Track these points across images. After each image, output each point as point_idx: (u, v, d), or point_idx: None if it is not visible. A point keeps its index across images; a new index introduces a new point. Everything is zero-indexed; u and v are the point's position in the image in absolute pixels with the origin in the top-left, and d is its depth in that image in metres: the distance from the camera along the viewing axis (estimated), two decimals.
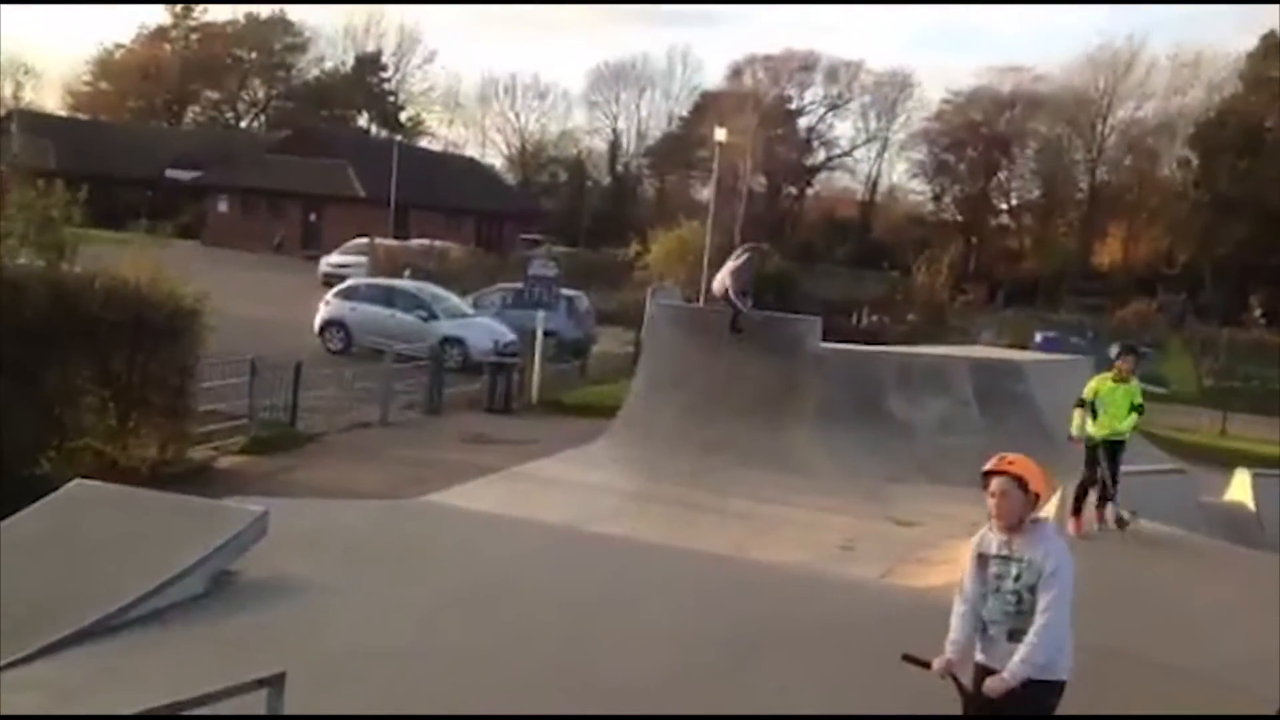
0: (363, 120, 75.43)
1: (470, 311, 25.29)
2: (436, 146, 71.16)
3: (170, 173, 55.02)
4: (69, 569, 7.69)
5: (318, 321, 23.99)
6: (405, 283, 26.62)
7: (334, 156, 50.61)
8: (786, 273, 39.04)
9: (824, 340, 16.90)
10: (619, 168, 72.92)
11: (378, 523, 10.60)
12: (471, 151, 72.09)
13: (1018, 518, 4.61)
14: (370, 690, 6.58)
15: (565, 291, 23.98)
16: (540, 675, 7.15)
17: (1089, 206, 63.07)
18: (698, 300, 27.82)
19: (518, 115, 73.08)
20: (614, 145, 72.84)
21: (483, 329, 23.53)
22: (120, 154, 52.95)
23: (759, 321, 16.72)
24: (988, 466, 4.66)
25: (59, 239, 12.16)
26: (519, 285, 24.02)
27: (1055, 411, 15.25)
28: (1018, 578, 4.58)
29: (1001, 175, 66.24)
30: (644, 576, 9.51)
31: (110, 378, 12.31)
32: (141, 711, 4.80)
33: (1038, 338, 31.66)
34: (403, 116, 74.52)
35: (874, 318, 37.22)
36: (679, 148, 67.70)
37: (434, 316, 23.71)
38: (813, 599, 9.12)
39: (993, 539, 4.70)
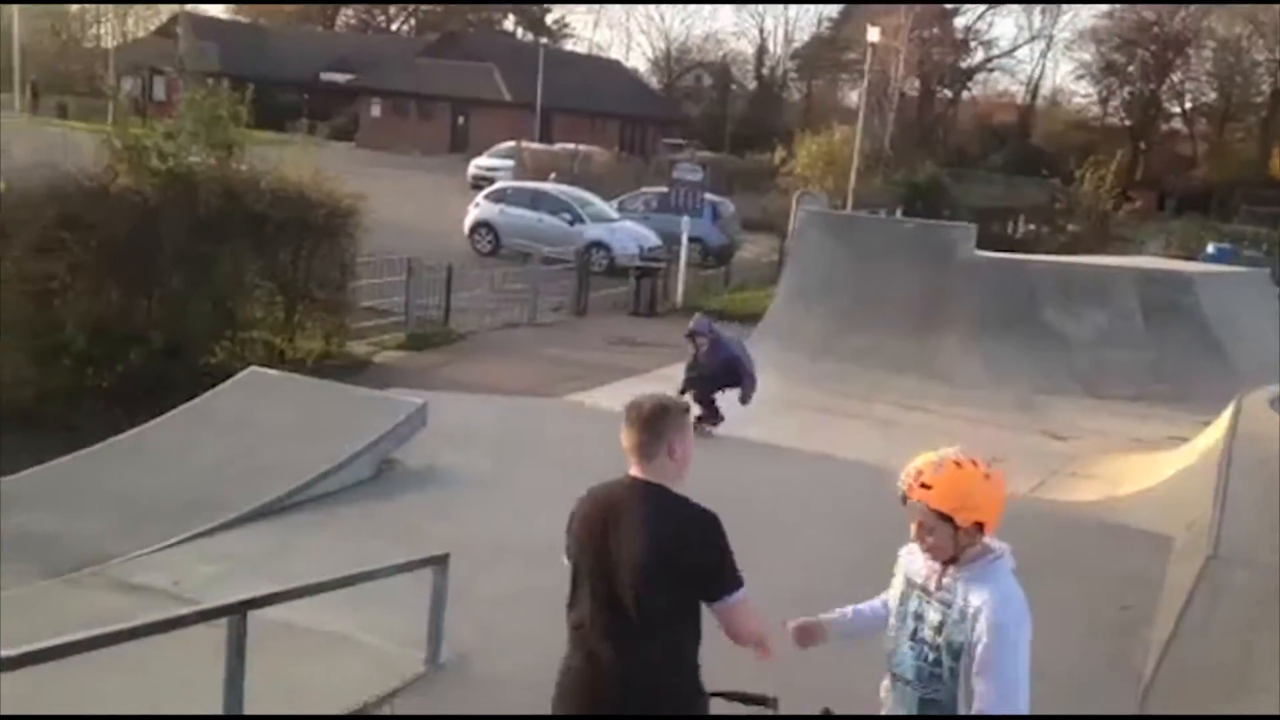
0: (509, 23, 75.54)
1: (615, 216, 25.37)
2: (581, 49, 70.88)
3: (325, 76, 56.35)
4: (247, 451, 8.17)
5: (467, 224, 24.45)
6: (551, 186, 26.82)
7: (481, 60, 50.94)
8: (937, 180, 37.87)
9: (978, 249, 16.38)
10: (765, 71, 71.35)
11: (526, 419, 10.91)
12: (616, 54, 71.62)
13: (947, 554, 3.06)
14: (519, 573, 6.84)
15: (709, 197, 23.81)
16: None
17: (1269, 111, 58.89)
18: (845, 207, 27.30)
19: (662, 16, 72.07)
20: (760, 48, 71.25)
21: (627, 233, 23.61)
22: (279, 57, 54.36)
23: (910, 230, 16.31)
24: (901, 480, 3.08)
25: (227, 138, 12.61)
26: (663, 190, 23.96)
27: (1226, 325, 14.55)
28: (939, 627, 3.04)
29: (1175, 77, 62.28)
30: (786, 481, 9.56)
31: (276, 273, 12.85)
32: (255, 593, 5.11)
33: (1209, 249, 29.96)
34: (548, 19, 74.34)
35: (1031, 227, 35.83)
36: (827, 50, 65.73)
37: (579, 220, 23.89)
38: None
39: (919, 559, 3.17)
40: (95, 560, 6.58)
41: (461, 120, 51.25)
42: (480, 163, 37.35)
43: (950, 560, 3.03)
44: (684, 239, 20.33)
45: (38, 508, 7.28)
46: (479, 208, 24.74)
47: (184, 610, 4.86)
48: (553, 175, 30.95)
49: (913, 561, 3.18)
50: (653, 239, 22.98)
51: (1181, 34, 60.12)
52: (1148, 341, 14.37)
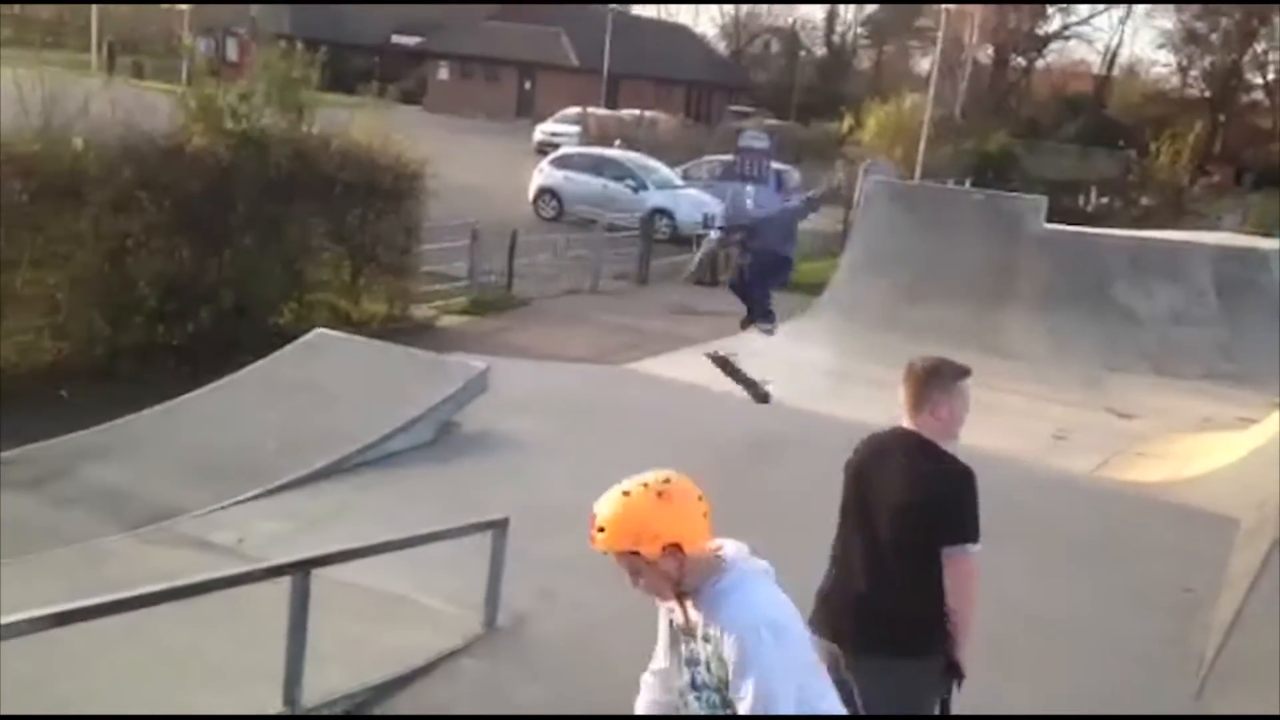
0: None
1: (679, 183, 25.28)
2: (649, 14, 70.38)
3: (395, 38, 56.62)
4: (312, 411, 8.32)
5: (532, 189, 24.51)
6: (616, 153, 26.77)
7: (549, 24, 50.83)
8: (1009, 150, 37.17)
9: (1048, 221, 16.07)
10: (834, 37, 70.34)
11: (586, 385, 10.96)
12: (684, 19, 71.01)
13: (673, 588, 2.77)
14: (577, 538, 6.89)
15: (775, 166, 23.59)
16: (735, 538, 7.32)
17: None
18: (913, 177, 26.91)
19: None
20: (831, 13, 70.21)
21: (691, 201, 23.51)
22: (350, 19, 54.69)
23: (979, 201, 16.05)
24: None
25: (299, 101, 12.74)
26: (728, 157, 23.79)
27: None
28: (709, 666, 2.75)
29: (1258, 47, 60.18)
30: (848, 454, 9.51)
31: (344, 235, 13.01)
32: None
33: None
34: None
35: (1104, 199, 35.04)
36: (899, 16, 64.52)
37: (644, 187, 23.83)
38: (1021, 488, 8.91)
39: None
40: (165, 515, 6.77)
41: (528, 85, 51.27)
42: (545, 128, 37.39)
43: (683, 593, 2.75)
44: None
45: (111, 462, 7.50)
46: (543, 173, 24.78)
47: (249, 567, 5.01)
48: (618, 141, 30.90)
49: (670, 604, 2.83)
50: (717, 207, 22.86)
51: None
52: (1220, 320, 14.03)
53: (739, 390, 11.31)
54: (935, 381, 3.75)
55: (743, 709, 2.61)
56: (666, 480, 2.73)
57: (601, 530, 2.71)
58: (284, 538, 6.41)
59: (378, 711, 4.73)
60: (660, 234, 20.94)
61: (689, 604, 2.73)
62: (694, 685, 2.76)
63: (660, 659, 2.93)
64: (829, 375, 13.06)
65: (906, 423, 3.76)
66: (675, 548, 2.69)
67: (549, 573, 6.23)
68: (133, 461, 7.51)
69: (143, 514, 6.76)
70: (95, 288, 10.11)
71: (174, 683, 4.51)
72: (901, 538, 3.67)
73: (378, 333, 11.80)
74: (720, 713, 2.68)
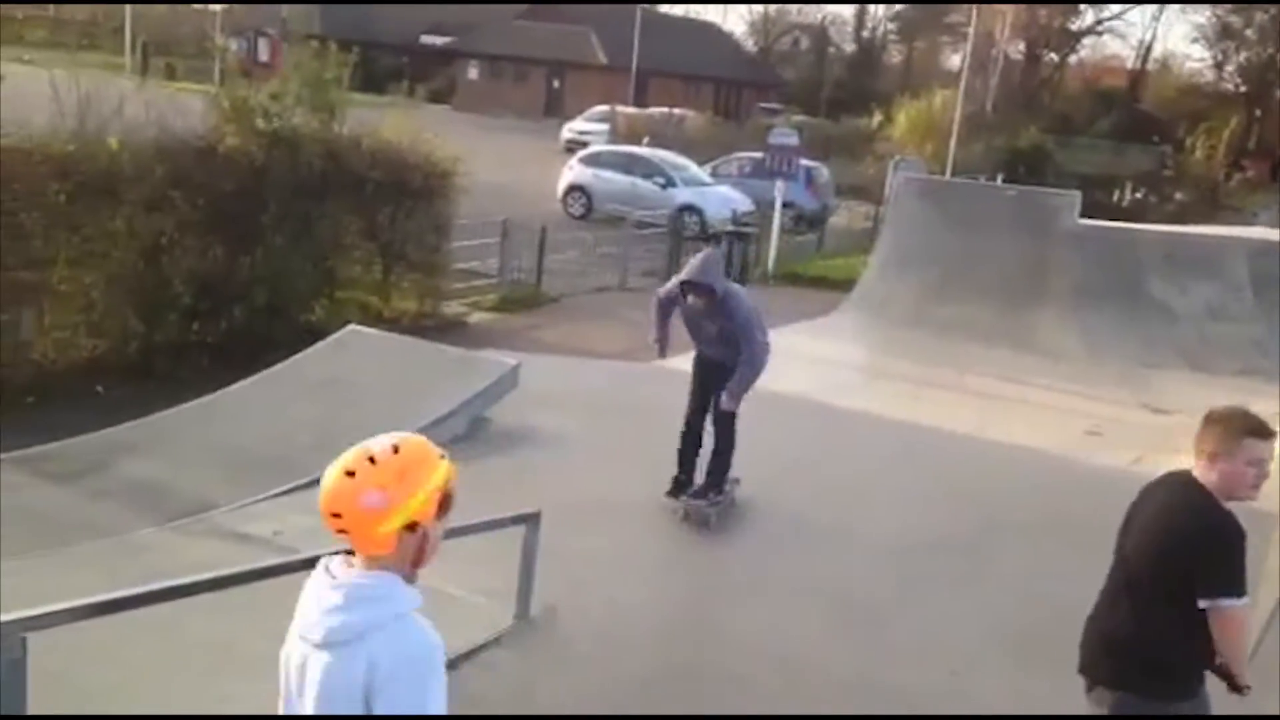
0: None
1: (708, 180, 25.24)
2: (677, 12, 70.35)
3: (424, 39, 56.88)
4: (345, 406, 8.37)
5: (560, 186, 24.56)
6: (645, 150, 26.76)
7: (577, 23, 50.92)
8: (1041, 146, 36.86)
9: (1082, 217, 15.93)
10: (864, 34, 70.09)
11: (615, 382, 10.97)
12: (712, 17, 70.94)
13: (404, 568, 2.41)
14: (608, 532, 6.92)
15: (804, 162, 23.54)
16: (767, 533, 7.32)
17: None
18: (944, 174, 26.76)
19: None
20: (860, 10, 69.96)
21: (720, 198, 23.48)
22: (379, 19, 54.97)
23: (1011, 197, 15.94)
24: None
25: (330, 100, 12.82)
26: (757, 154, 23.75)
27: None
28: None
29: None
30: (879, 451, 9.49)
31: (375, 233, 13.08)
32: None
33: None
34: None
35: (1137, 195, 34.69)
36: (930, 12, 64.20)
37: (672, 184, 23.82)
38: (1055, 482, 8.86)
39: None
40: (200, 509, 6.84)
41: (556, 83, 51.38)
42: (574, 126, 37.43)
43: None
44: (777, 204, 20.15)
45: (146, 457, 7.58)
46: (572, 171, 24.81)
47: (286, 559, 5.04)
48: (646, 139, 30.89)
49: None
50: (745, 203, 22.83)
51: None
52: (1257, 315, 13.84)
53: (768, 388, 11.28)
54: (1221, 432, 3.66)
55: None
56: (400, 445, 2.34)
57: (337, 516, 2.28)
58: (319, 531, 6.42)
59: None
60: (689, 231, 20.93)
61: None
62: None
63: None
64: (858, 371, 13.03)
65: (1195, 468, 3.71)
66: (413, 527, 2.34)
67: (580, 566, 6.25)
68: (168, 456, 7.59)
69: (178, 507, 6.83)
70: (130, 286, 10.21)
71: (209, 674, 4.55)
72: (1157, 580, 3.68)
73: (408, 329, 11.86)
74: None
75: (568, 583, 5.95)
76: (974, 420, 10.71)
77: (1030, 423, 10.85)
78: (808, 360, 13.24)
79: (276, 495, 7.15)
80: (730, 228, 20.28)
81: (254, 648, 4.90)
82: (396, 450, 2.29)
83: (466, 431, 8.50)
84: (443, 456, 2.33)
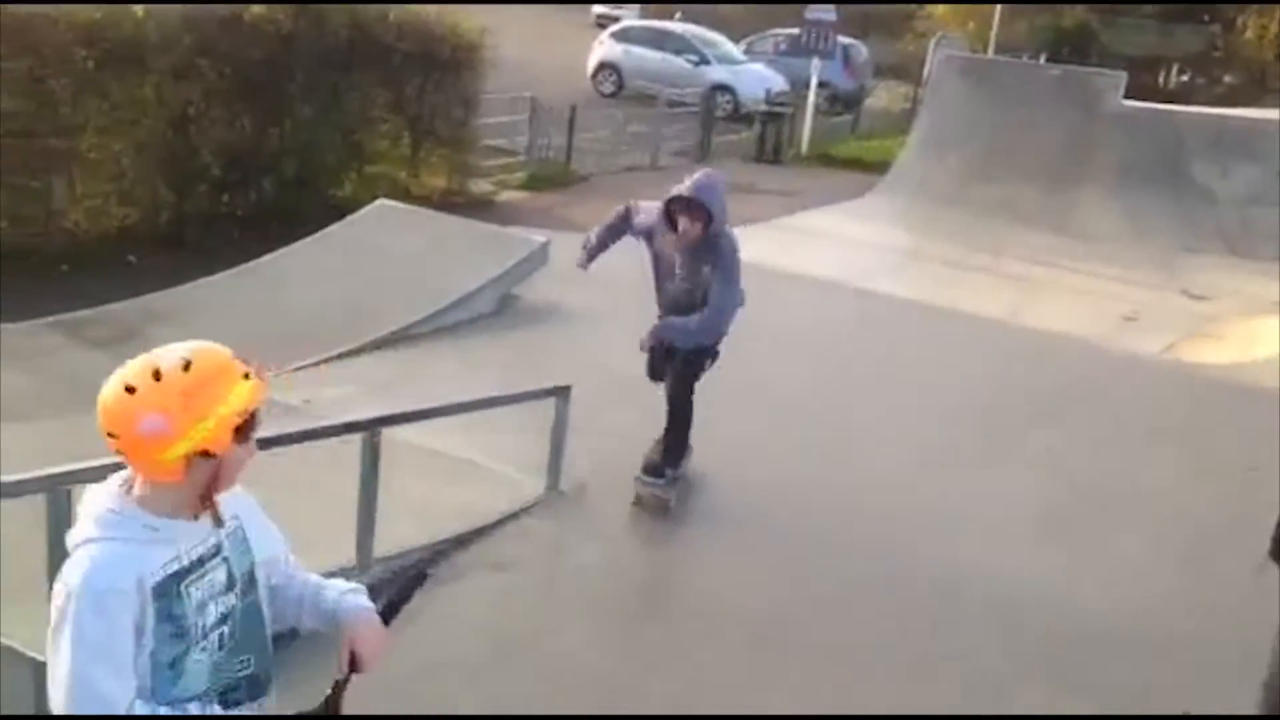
0: None
1: (742, 58, 24.64)
2: None
3: None
4: (375, 280, 8.38)
5: (591, 64, 24.06)
6: (678, 26, 26.11)
7: None
8: (1086, 26, 35.63)
9: (1126, 99, 15.48)
10: None
11: (645, 261, 10.87)
12: None
13: (196, 495, 2.01)
14: (635, 407, 6.94)
15: (842, 40, 22.90)
16: (793, 409, 7.33)
17: None
18: (986, 53, 26.01)
19: None
20: None
21: (754, 76, 22.93)
22: None
23: (1055, 76, 15.49)
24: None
25: None
26: (794, 31, 23.11)
27: None
28: (229, 578, 2.06)
29: None
30: (909, 334, 9.43)
31: (402, 106, 12.90)
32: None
33: None
34: None
35: (1184, 77, 33.62)
36: None
37: (705, 62, 23.28)
38: (1087, 366, 8.80)
39: (159, 539, 2.00)
40: None
41: None
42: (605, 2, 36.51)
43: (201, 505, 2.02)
44: (813, 83, 19.67)
45: (180, 325, 7.62)
46: (603, 47, 24.28)
47: (322, 424, 5.10)
48: (678, 14, 30.10)
49: (148, 560, 1.95)
50: (779, 82, 22.29)
51: None
52: None
53: (802, 269, 11.21)
54: None
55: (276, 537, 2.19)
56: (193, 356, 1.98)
57: (113, 436, 1.92)
58: (348, 401, 6.52)
59: (443, 565, 4.85)
60: (721, 110, 20.53)
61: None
62: (203, 633, 2.00)
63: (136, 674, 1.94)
64: (891, 254, 12.87)
65: None
66: (206, 455, 1.98)
67: (608, 439, 6.29)
68: (200, 324, 7.54)
69: None
70: (159, 155, 10.16)
71: None
72: None
73: (437, 206, 11.76)
74: (222, 650, 2.03)
75: (597, 456, 6.00)
76: (1009, 304, 10.62)
77: (1066, 306, 10.74)
78: (839, 243, 13.12)
79: (307, 366, 7.21)
80: (764, 108, 19.87)
81: (289, 512, 5.00)
82: (188, 367, 1.90)
83: (495, 307, 8.51)
84: (247, 375, 1.94)
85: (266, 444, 4.47)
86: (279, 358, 7.17)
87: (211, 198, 10.72)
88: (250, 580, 2.09)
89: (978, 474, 6.58)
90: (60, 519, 3.40)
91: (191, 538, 2.00)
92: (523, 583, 4.85)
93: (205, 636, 1.99)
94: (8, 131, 8.89)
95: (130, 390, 1.89)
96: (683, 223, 5.32)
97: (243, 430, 1.96)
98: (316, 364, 7.29)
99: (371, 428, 4.58)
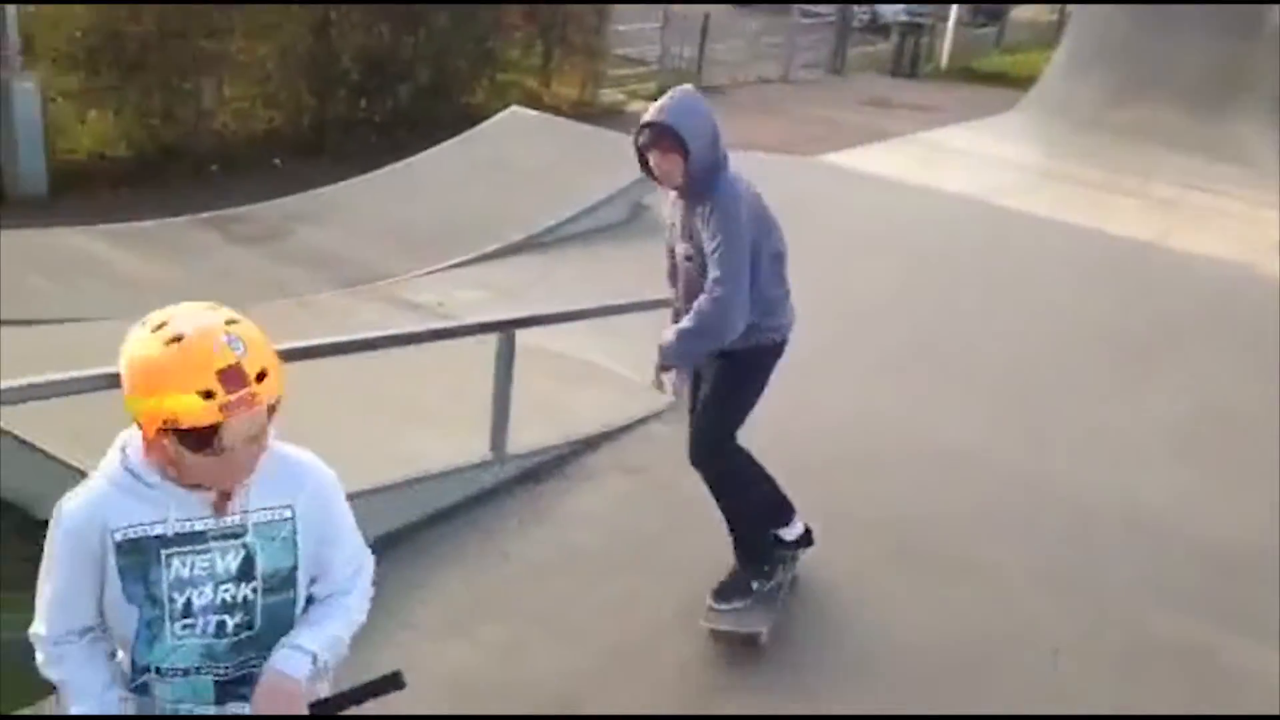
0: None
1: None
2: None
3: None
4: (508, 186, 8.48)
5: None
6: None
7: None
8: None
9: None
10: None
11: (776, 176, 10.65)
12: None
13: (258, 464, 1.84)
14: None
15: None
16: (927, 326, 7.21)
17: None
18: None
19: None
20: None
21: None
22: None
23: None
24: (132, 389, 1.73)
25: None
26: None
27: None
28: (246, 565, 1.87)
29: None
30: (1054, 256, 9.14)
31: (535, 15, 12.88)
32: None
33: None
34: None
35: None
36: None
37: None
38: (1233, 291, 8.43)
39: (152, 498, 1.82)
40: (372, 278, 7.12)
41: None
42: None
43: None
44: None
45: (322, 225, 7.89)
46: None
47: (460, 323, 5.24)
48: None
49: (128, 513, 1.80)
50: None
51: None
52: None
53: (937, 183, 10.95)
54: None
55: (335, 539, 1.98)
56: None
57: (264, 375, 1.70)
58: (481, 304, 6.66)
59: (574, 464, 4.96)
60: (858, 21, 19.93)
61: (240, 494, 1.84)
62: (186, 612, 1.84)
63: (84, 614, 1.87)
64: (1034, 173, 12.44)
65: None
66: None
67: None
68: (342, 226, 7.87)
69: (352, 275, 7.13)
70: (302, 59, 10.39)
71: (392, 426, 4.80)
72: None
73: (567, 115, 11.77)
74: (227, 640, 1.88)
75: None
76: (1155, 228, 10.19)
77: (1216, 232, 10.25)
78: (978, 160, 12.74)
79: (442, 270, 7.38)
80: (903, 18, 19.20)
81: (429, 405, 5.17)
82: (177, 340, 1.67)
83: (626, 217, 8.52)
84: (209, 395, 1.65)
85: (406, 340, 4.67)
86: (415, 260, 7.39)
87: (350, 103, 10.94)
88: (285, 580, 1.88)
89: (1116, 394, 6.40)
90: None
91: (187, 509, 1.80)
92: (651, 487, 4.94)
93: (190, 616, 1.82)
94: (161, 33, 9.20)
95: (157, 328, 1.69)
96: (654, 159, 3.63)
97: (185, 438, 1.68)
98: (449, 267, 7.46)
99: (507, 328, 4.68)
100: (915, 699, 3.67)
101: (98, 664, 1.90)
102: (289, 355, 3.95)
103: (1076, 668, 3.90)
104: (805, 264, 7.86)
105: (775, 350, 4.00)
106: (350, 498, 4.16)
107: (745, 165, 10.33)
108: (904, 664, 3.86)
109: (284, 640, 1.89)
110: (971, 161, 12.65)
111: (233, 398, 1.64)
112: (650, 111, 3.68)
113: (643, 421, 5.43)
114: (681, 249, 3.82)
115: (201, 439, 1.68)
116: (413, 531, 4.33)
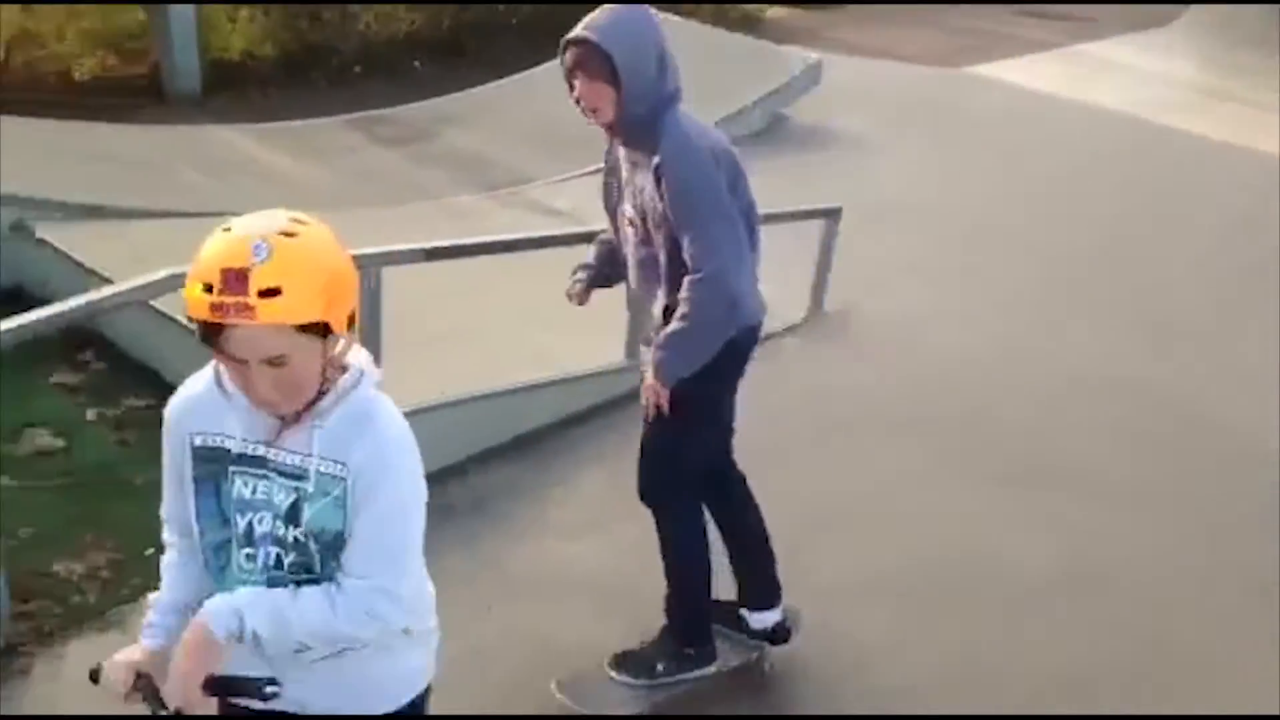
0: None
1: None
2: None
3: None
4: None
5: None
6: None
7: None
8: None
9: None
10: None
11: (922, 87, 10.41)
12: None
13: (307, 393, 1.67)
14: (901, 235, 6.78)
15: None
16: (1076, 245, 6.95)
17: None
18: None
19: None
20: None
21: None
22: None
23: None
24: (196, 295, 1.55)
25: None
26: None
27: None
28: (295, 510, 1.73)
29: None
30: (1214, 177, 8.68)
31: None
32: None
33: None
34: None
35: None
36: None
37: None
38: None
39: (229, 415, 1.73)
40: (514, 181, 7.17)
41: None
42: None
43: (307, 405, 1.68)
44: None
45: (465, 128, 7.96)
46: None
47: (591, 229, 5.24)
48: None
49: (208, 419, 1.73)
50: None
51: None
52: None
53: (1091, 98, 10.45)
54: None
55: (368, 520, 1.69)
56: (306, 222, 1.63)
57: (274, 291, 1.51)
58: None
59: None
60: None
61: (305, 419, 1.69)
62: (249, 539, 1.74)
63: (174, 515, 1.83)
64: (1199, 92, 11.75)
65: None
66: (353, 320, 1.66)
67: (874, 265, 6.19)
68: (484, 129, 7.93)
69: (494, 178, 7.20)
70: None
71: (530, 329, 4.85)
72: None
73: (704, 21, 11.57)
74: (285, 576, 1.73)
75: (862, 280, 5.91)
76: None
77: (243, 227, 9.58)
78: (1135, 75, 12.09)
79: (583, 175, 7.39)
80: None
81: (568, 310, 5.21)
82: (226, 229, 1.59)
83: (764, 127, 8.38)
84: (209, 288, 1.53)
85: (540, 243, 4.71)
86: (556, 165, 7.41)
87: (489, 6, 10.93)
88: (333, 542, 1.70)
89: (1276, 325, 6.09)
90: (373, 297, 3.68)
91: (254, 429, 1.69)
92: (782, 399, 4.92)
93: (251, 544, 1.73)
94: None
95: (290, 235, 1.57)
96: (578, 87, 2.84)
97: (200, 332, 1.57)
98: (586, 174, 7.45)
99: None
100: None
101: (175, 578, 1.83)
102: (432, 254, 4.07)
103: None
104: (949, 174, 7.68)
105: (746, 343, 3.02)
106: (489, 397, 4.23)
107: (892, 74, 10.03)
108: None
109: (236, 592, 1.70)
110: (1131, 77, 12.00)
111: (225, 300, 1.50)
112: (578, 26, 2.85)
113: (774, 335, 5.39)
114: (628, 211, 2.98)
115: (206, 335, 1.56)
116: (550, 432, 4.42)
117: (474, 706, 2.93)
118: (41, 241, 5.24)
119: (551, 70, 8.79)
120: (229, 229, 1.57)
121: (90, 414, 4.36)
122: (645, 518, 3.97)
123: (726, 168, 2.90)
